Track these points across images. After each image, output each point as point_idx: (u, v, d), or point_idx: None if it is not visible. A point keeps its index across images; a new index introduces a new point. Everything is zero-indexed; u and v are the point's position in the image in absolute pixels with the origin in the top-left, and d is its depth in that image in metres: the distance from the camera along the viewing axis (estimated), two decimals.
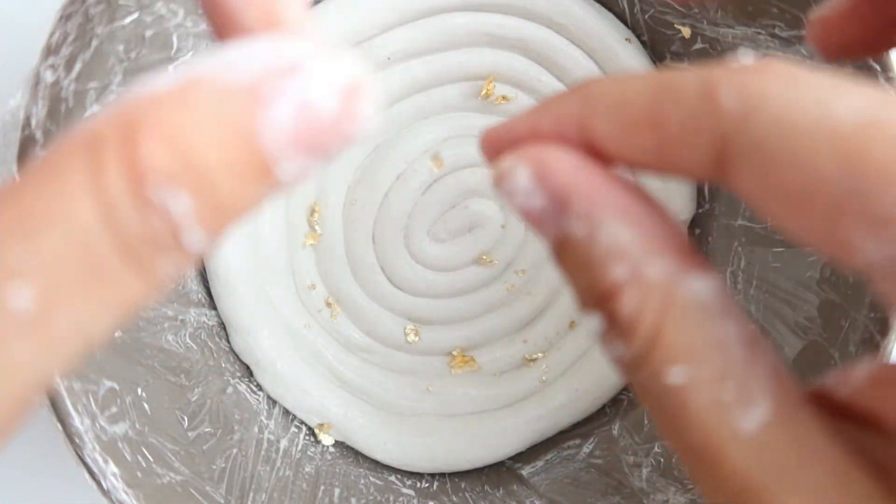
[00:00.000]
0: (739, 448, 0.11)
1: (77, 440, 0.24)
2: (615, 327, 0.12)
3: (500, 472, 0.37)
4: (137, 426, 0.27)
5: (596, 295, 0.13)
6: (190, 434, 0.30)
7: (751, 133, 0.11)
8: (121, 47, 0.27)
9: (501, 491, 0.35)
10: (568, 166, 0.12)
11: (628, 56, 0.36)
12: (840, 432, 0.12)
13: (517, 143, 0.13)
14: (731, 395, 0.11)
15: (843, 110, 0.11)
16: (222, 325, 0.36)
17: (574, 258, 0.13)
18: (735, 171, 0.11)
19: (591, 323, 0.13)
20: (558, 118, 0.13)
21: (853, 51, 0.18)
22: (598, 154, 0.13)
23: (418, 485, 0.36)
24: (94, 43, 0.25)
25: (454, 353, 0.38)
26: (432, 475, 0.37)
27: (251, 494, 0.31)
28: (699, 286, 0.12)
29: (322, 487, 0.34)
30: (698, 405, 0.12)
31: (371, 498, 0.34)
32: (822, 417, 0.12)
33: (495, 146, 0.13)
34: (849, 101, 0.11)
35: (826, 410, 0.12)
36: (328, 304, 0.38)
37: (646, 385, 0.12)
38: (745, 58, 0.12)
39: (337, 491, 0.34)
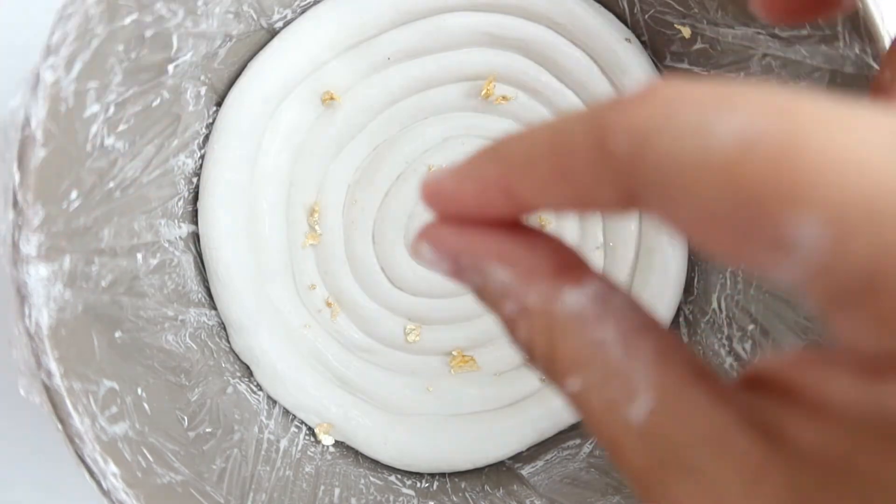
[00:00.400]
0: (632, 440, 0.12)
1: (77, 440, 0.24)
2: (524, 355, 0.14)
3: (500, 472, 0.37)
4: (137, 426, 0.27)
5: (506, 330, 0.14)
6: (190, 434, 0.30)
7: (645, 174, 0.11)
8: (121, 47, 0.27)
9: (501, 491, 0.35)
10: (452, 235, 0.14)
11: (628, 56, 0.36)
12: (731, 402, 0.12)
13: (448, 203, 0.15)
14: (618, 392, 0.12)
15: (722, 135, 0.10)
16: (222, 325, 0.36)
17: (485, 302, 0.15)
18: (644, 205, 0.12)
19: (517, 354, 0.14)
20: (482, 181, 0.14)
21: (797, 16, 0.18)
22: (524, 209, 0.14)
23: (418, 485, 0.36)
24: (94, 43, 0.25)
25: (454, 353, 0.38)
26: (432, 475, 0.37)
27: (251, 494, 0.31)
28: (572, 299, 0.13)
29: (322, 487, 0.34)
30: (594, 407, 0.13)
31: (371, 498, 0.34)
32: (711, 393, 0.12)
33: (431, 201, 0.15)
34: (729, 121, 0.10)
35: (720, 387, 0.12)
36: (328, 304, 0.38)
37: (560, 395, 0.14)
38: (634, 83, 0.12)
39: (337, 491, 0.34)
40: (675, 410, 0.12)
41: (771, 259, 0.10)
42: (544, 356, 0.13)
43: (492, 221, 0.14)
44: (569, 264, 0.14)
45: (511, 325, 0.14)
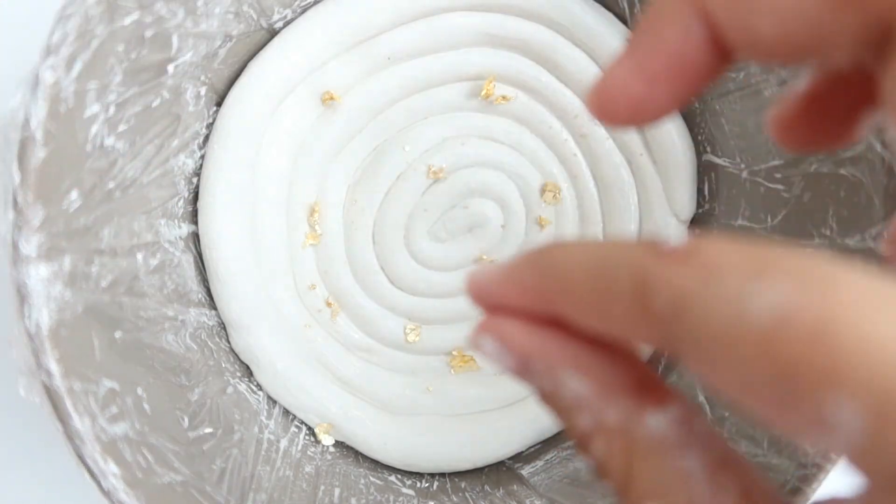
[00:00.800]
0: None
1: (77, 440, 0.24)
2: (597, 470, 0.14)
3: (500, 472, 0.37)
4: (137, 426, 0.27)
5: (576, 441, 0.14)
6: (190, 434, 0.30)
7: (682, 336, 0.11)
8: (121, 47, 0.27)
9: (501, 491, 0.35)
10: (522, 334, 0.14)
11: None
12: None
13: (491, 304, 0.14)
14: None
15: (759, 307, 0.10)
16: (222, 325, 0.36)
17: (553, 408, 0.14)
18: (682, 359, 0.12)
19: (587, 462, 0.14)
20: (523, 288, 0.14)
21: (815, 146, 0.17)
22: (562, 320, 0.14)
23: (418, 485, 0.36)
24: (94, 43, 0.25)
25: (454, 353, 0.38)
26: (432, 475, 0.37)
27: (251, 494, 0.31)
28: (656, 422, 0.13)
29: (322, 487, 0.34)
30: None
31: (371, 498, 0.34)
32: None
33: (476, 299, 0.14)
34: (766, 293, 0.10)
35: None
36: (328, 304, 0.38)
37: None
38: (675, 238, 0.12)
39: (337, 491, 0.34)
40: None
41: (813, 432, 0.10)
42: (620, 478, 0.13)
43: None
44: (649, 382, 0.13)
45: (583, 439, 0.14)
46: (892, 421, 0.09)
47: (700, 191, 0.37)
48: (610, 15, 0.36)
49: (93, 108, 0.26)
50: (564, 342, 0.13)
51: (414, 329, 0.38)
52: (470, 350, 0.15)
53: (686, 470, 0.12)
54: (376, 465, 0.37)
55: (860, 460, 0.10)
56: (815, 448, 0.11)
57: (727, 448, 0.13)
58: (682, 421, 0.13)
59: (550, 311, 0.13)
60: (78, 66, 0.25)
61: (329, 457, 0.36)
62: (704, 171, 0.36)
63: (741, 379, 0.11)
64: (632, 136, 0.37)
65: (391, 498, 0.35)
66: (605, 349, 0.14)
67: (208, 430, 0.31)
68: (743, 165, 0.34)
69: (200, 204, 0.35)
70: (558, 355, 0.13)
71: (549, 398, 0.14)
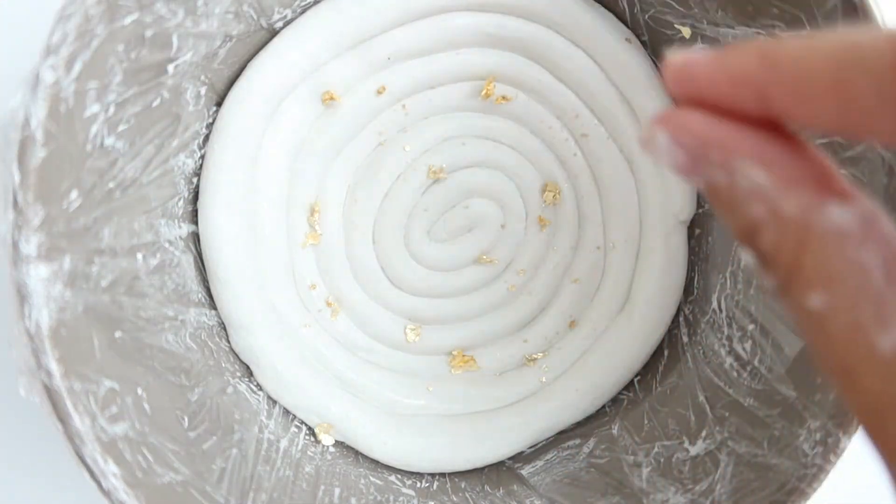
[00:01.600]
0: (873, 369, 0.12)
1: (77, 440, 0.24)
2: (760, 261, 0.13)
3: (500, 472, 0.37)
4: (137, 426, 0.27)
5: (742, 233, 0.14)
6: (190, 434, 0.30)
7: None
8: (121, 47, 0.27)
9: (501, 491, 0.35)
10: (701, 125, 0.13)
11: (628, 56, 0.36)
12: None
13: (696, 87, 0.14)
14: (869, 318, 0.12)
15: None
16: (222, 325, 0.36)
17: (721, 201, 0.14)
18: None
19: (746, 257, 0.14)
20: (734, 77, 0.13)
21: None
22: (772, 116, 0.13)
23: (418, 485, 0.36)
24: (94, 43, 0.25)
25: (454, 353, 0.38)
26: (432, 475, 0.37)
27: (251, 494, 0.31)
28: (837, 214, 0.13)
29: (322, 487, 0.34)
30: (836, 328, 0.12)
31: (371, 498, 0.34)
32: None
33: (676, 82, 0.14)
34: None
35: None
36: (328, 304, 0.38)
37: (792, 311, 0.13)
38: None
39: (337, 491, 0.34)
40: None
41: None
42: (788, 265, 0.13)
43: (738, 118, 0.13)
44: (833, 180, 0.13)
45: (750, 230, 0.13)
46: None
47: (700, 191, 0.37)
48: (610, 15, 0.36)
49: (93, 108, 0.26)
50: (746, 132, 0.13)
51: (414, 329, 0.38)
52: (641, 147, 0.15)
53: (862, 262, 0.12)
54: (376, 465, 0.37)
55: None
56: None
57: None
58: (866, 217, 0.13)
59: (763, 106, 0.13)
60: (78, 66, 0.25)
61: (329, 457, 0.36)
62: None
63: None
64: (632, 136, 0.37)
65: (391, 498, 0.35)
66: (791, 143, 0.13)
67: (208, 430, 0.31)
68: None
69: (200, 204, 0.35)
70: (738, 145, 0.13)
71: (721, 192, 0.14)
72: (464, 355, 0.38)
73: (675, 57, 0.14)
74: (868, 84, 0.12)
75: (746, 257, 0.14)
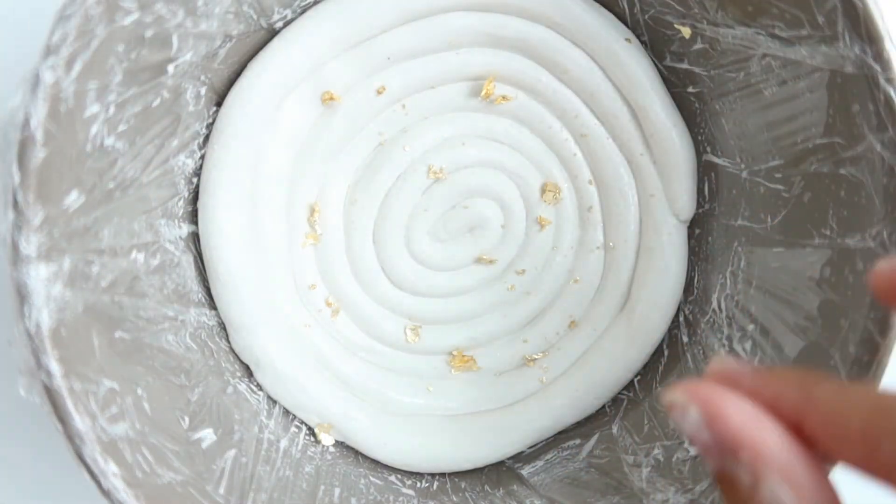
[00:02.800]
0: None
1: (77, 440, 0.24)
2: None
3: (500, 472, 0.37)
4: (137, 426, 0.27)
5: None
6: (190, 434, 0.30)
7: None
8: (121, 47, 0.27)
9: (501, 491, 0.35)
10: (740, 417, 0.13)
11: (628, 56, 0.36)
12: None
13: (739, 385, 0.14)
14: None
15: None
16: (222, 325, 0.36)
17: (734, 495, 0.14)
18: None
19: None
20: (777, 395, 0.14)
21: None
22: (805, 437, 0.14)
23: (418, 485, 0.36)
24: (94, 43, 0.25)
25: (454, 353, 0.38)
26: (432, 475, 0.37)
27: (251, 494, 0.31)
28: None
29: (322, 487, 0.34)
30: None
31: (371, 498, 0.34)
32: None
33: (716, 376, 0.14)
34: None
35: None
36: (328, 304, 0.38)
37: None
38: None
39: (337, 491, 0.34)
40: None
41: None
42: None
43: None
44: None
45: None
46: None
47: (700, 191, 0.37)
48: (610, 15, 0.36)
49: (93, 108, 0.26)
50: (781, 440, 0.13)
51: (414, 329, 0.38)
52: (666, 408, 0.14)
53: None
54: (376, 465, 0.37)
55: None
56: None
57: None
58: None
59: (796, 423, 0.13)
60: (78, 66, 0.25)
61: (329, 457, 0.36)
62: (704, 171, 0.36)
63: None
64: (632, 136, 0.37)
65: (391, 498, 0.35)
66: (817, 467, 0.13)
67: (208, 430, 0.31)
68: (743, 165, 0.34)
69: (200, 204, 0.35)
70: (775, 457, 0.13)
71: (736, 486, 0.13)
72: (464, 355, 0.38)
73: (720, 364, 0.14)
74: (892, 449, 0.12)
75: None
